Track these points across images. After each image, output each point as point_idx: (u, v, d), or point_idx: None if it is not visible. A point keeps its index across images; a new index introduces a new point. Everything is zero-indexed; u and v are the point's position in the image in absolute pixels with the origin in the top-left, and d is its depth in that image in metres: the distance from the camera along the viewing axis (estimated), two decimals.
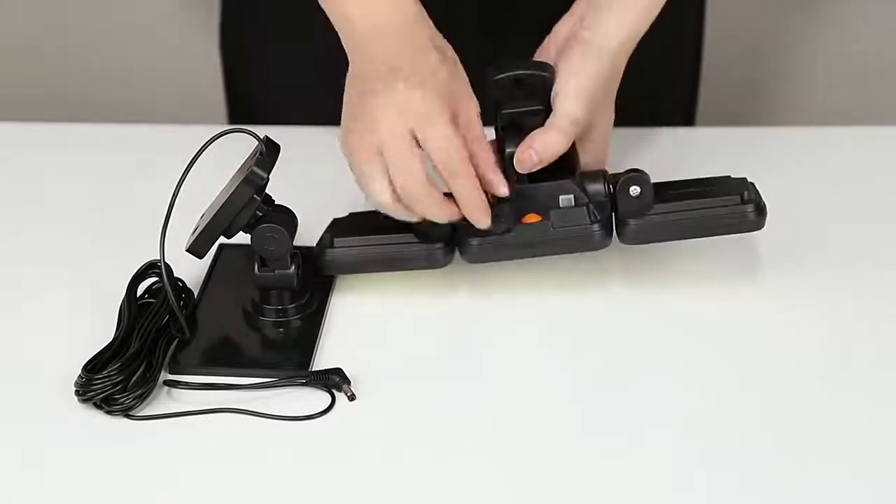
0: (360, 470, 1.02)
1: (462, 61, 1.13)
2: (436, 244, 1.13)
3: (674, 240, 1.14)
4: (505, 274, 1.17)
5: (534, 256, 1.13)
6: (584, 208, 1.12)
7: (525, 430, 1.05)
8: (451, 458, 1.03)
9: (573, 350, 1.12)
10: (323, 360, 1.10)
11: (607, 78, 1.15)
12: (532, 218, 1.13)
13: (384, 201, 1.10)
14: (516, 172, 1.13)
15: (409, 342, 1.12)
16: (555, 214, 1.12)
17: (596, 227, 1.12)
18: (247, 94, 1.50)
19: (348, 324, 1.13)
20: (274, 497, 1.00)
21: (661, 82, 1.45)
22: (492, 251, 1.12)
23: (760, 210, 1.12)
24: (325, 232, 1.17)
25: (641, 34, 1.16)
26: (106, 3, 2.01)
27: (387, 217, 1.12)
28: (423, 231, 1.13)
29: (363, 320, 1.13)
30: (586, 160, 1.16)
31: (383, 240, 1.14)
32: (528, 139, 1.12)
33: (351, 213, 1.21)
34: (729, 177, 1.15)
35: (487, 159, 1.11)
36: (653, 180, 1.13)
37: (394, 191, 1.10)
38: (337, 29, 1.13)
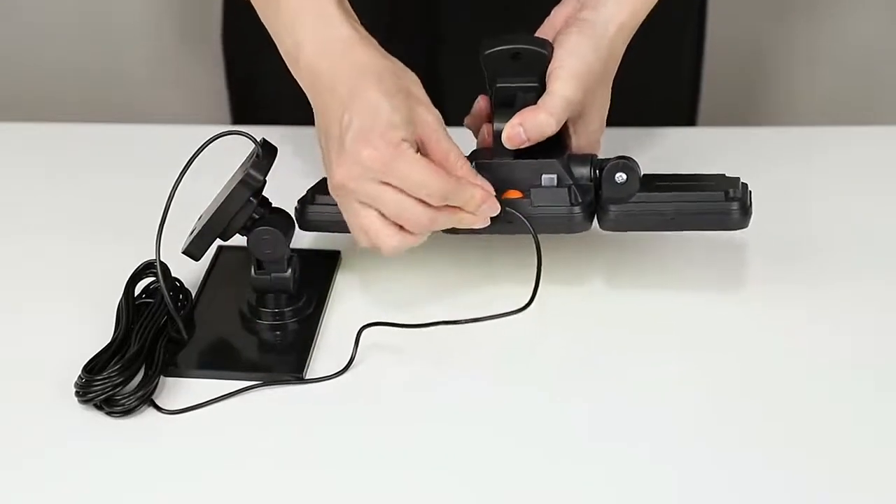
0: (359, 470, 1.02)
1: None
2: None
3: (653, 230, 1.13)
4: (502, 272, 1.17)
5: (511, 233, 1.12)
6: (566, 189, 1.11)
7: (523, 431, 1.05)
8: (449, 456, 1.03)
9: (566, 350, 1.12)
10: (319, 363, 1.10)
11: (604, 60, 1.13)
12: (512, 194, 1.12)
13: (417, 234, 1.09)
14: (503, 147, 1.11)
15: (406, 344, 1.11)
16: (535, 192, 1.11)
17: (577, 209, 1.11)
18: (248, 94, 1.50)
19: (345, 327, 1.12)
20: (271, 498, 1.00)
21: (662, 82, 1.45)
22: None
23: (745, 209, 1.10)
24: (311, 188, 1.17)
25: (641, 20, 1.15)
26: (106, 3, 2.01)
27: None
28: None
29: (360, 322, 1.13)
30: (579, 143, 1.15)
31: None
32: (517, 116, 1.10)
33: None
34: (723, 175, 1.14)
35: (466, 173, 1.09)
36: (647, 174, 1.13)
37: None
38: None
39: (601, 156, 1.15)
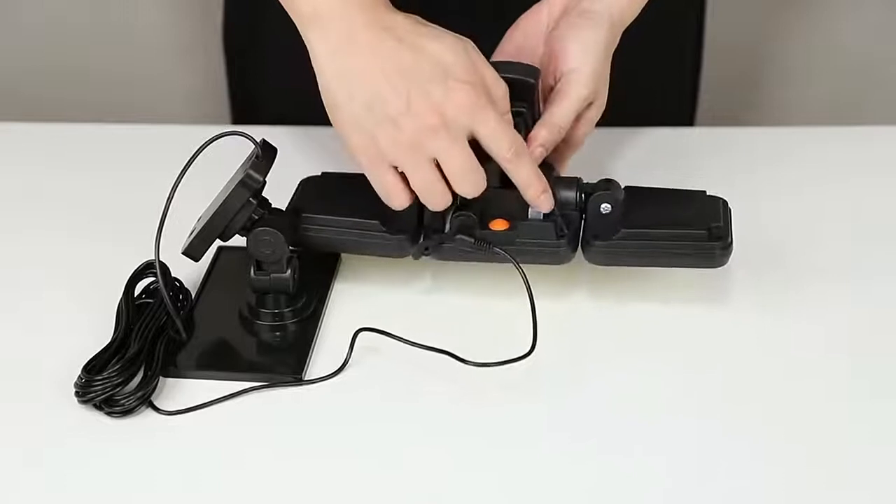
0: (358, 471, 1.02)
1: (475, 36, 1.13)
2: (402, 234, 1.13)
3: (635, 266, 1.13)
4: (494, 281, 1.17)
5: (498, 262, 1.12)
6: (552, 224, 1.11)
7: (518, 433, 1.05)
8: (448, 457, 1.03)
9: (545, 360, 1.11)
10: (319, 364, 1.11)
11: (611, 46, 1.15)
12: (499, 224, 1.12)
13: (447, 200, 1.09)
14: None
15: (405, 347, 1.11)
16: (522, 226, 1.11)
17: (562, 242, 1.11)
18: (250, 93, 1.50)
19: (345, 328, 1.12)
20: (270, 500, 1.01)
21: (661, 82, 1.45)
22: (456, 252, 1.13)
23: (726, 248, 1.11)
24: (293, 201, 1.17)
25: (639, 9, 1.17)
26: (106, 3, 2.02)
27: (356, 187, 1.12)
28: (390, 219, 1.13)
29: (360, 324, 1.12)
30: (579, 130, 1.16)
31: (350, 223, 1.14)
32: (538, 134, 1.12)
33: (323, 174, 1.20)
34: (704, 194, 1.14)
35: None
36: (646, 181, 1.12)
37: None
38: (303, 22, 1.10)
39: (596, 155, 1.15)
